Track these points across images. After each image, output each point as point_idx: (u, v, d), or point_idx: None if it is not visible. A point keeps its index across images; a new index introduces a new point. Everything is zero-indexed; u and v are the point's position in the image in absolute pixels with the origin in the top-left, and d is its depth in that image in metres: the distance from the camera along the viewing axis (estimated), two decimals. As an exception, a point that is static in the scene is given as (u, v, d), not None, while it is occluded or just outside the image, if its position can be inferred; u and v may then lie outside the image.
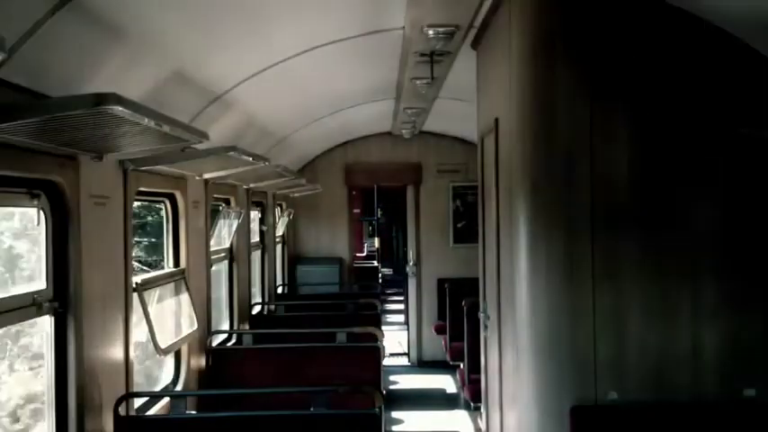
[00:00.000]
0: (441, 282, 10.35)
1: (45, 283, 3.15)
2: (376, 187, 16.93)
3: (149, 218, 6.72)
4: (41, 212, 3.08)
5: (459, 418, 8.18)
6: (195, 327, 4.84)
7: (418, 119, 8.68)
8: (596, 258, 3.79)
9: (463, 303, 7.15)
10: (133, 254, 3.96)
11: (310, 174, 10.12)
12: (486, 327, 5.30)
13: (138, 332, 4.07)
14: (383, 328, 7.34)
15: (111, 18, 2.91)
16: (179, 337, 4.65)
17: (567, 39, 3.83)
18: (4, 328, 3.08)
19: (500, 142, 4.56)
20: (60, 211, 3.15)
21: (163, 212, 4.96)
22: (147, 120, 2.49)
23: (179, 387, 4.90)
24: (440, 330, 10.17)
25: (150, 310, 4.09)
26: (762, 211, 3.83)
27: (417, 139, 10.47)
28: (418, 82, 6.07)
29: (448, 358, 8.76)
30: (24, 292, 3.04)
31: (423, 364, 10.76)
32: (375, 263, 16.51)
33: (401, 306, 13.79)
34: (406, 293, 11.63)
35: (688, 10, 3.69)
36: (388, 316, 13.92)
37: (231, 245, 6.54)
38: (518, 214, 4.01)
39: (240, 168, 4.90)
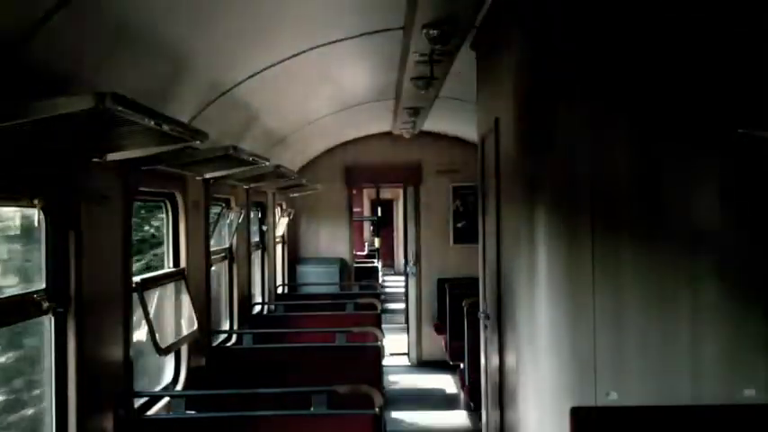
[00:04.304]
0: (441, 282, 10.35)
1: (45, 283, 3.14)
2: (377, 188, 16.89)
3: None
4: (41, 212, 3.08)
5: (459, 418, 8.18)
6: (195, 327, 4.84)
7: (418, 119, 8.67)
8: (596, 258, 3.79)
9: (463, 303, 7.16)
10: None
11: (310, 174, 10.11)
12: (486, 327, 5.30)
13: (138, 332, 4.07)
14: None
15: (112, 17, 2.91)
16: (179, 337, 4.65)
17: (567, 39, 3.83)
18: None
19: (500, 142, 4.56)
20: (60, 211, 3.15)
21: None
22: (147, 119, 2.49)
23: (179, 387, 4.89)
24: (440, 330, 10.17)
25: (150, 310, 4.09)
26: (761, 210, 3.83)
27: (417, 139, 10.46)
28: (418, 82, 6.07)
29: (448, 358, 8.76)
30: (24, 291, 3.04)
31: (423, 364, 10.77)
32: (375, 263, 16.51)
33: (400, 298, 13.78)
34: (406, 293, 11.64)
35: (687, 10, 3.69)
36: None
37: (231, 245, 6.54)
38: (518, 214, 4.01)
39: (240, 168, 4.89)
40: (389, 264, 22.34)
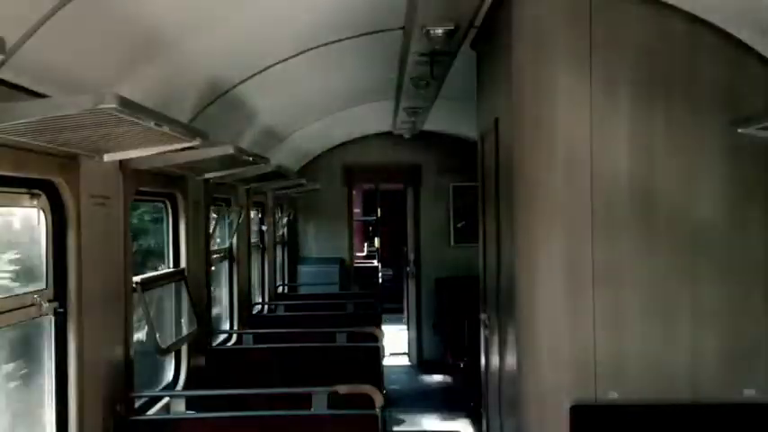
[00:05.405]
0: (440, 282, 10.34)
1: (45, 283, 3.14)
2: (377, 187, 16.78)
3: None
4: (41, 212, 3.08)
5: (459, 417, 8.18)
6: (195, 327, 4.84)
7: (418, 119, 8.67)
8: (596, 258, 3.80)
9: (463, 303, 7.15)
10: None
11: (310, 174, 10.10)
12: (486, 327, 5.30)
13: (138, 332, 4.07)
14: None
15: (112, 18, 2.91)
16: (179, 337, 4.65)
17: (567, 39, 3.84)
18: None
19: (500, 142, 4.56)
20: (60, 211, 3.15)
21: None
22: (146, 120, 2.49)
23: (179, 387, 4.89)
24: (440, 330, 10.17)
25: (150, 310, 4.09)
26: (761, 210, 3.83)
27: (417, 139, 10.46)
28: (418, 82, 6.07)
29: (448, 358, 8.76)
30: (24, 291, 3.04)
31: (423, 364, 10.77)
32: (375, 263, 16.46)
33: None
34: (406, 293, 11.64)
35: (688, 10, 3.69)
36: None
37: (231, 245, 6.53)
38: (518, 214, 4.01)
39: (240, 168, 4.89)
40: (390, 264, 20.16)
